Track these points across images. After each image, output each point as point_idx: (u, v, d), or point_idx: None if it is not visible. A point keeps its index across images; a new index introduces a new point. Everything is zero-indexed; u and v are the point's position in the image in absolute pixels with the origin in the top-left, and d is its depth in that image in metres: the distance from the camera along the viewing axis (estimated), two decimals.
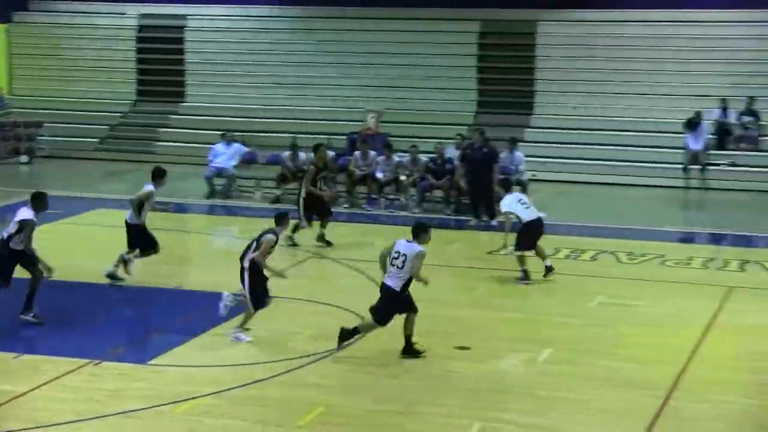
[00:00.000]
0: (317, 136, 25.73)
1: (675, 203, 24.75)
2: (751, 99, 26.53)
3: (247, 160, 25.50)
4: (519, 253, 16.74)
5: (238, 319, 13.65)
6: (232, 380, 12.07)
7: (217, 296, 14.01)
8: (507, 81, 29.16)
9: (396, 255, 12.82)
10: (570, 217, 21.70)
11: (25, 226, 13.82)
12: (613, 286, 16.77)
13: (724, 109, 26.64)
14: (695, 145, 25.91)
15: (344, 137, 26.30)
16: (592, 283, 16.73)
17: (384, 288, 12.92)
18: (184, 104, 31.13)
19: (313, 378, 12.29)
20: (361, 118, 27.33)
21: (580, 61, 28.77)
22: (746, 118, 26.56)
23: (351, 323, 13.73)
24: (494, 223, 21.34)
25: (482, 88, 29.41)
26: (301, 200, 19.08)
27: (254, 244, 13.58)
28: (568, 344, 13.54)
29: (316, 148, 19.92)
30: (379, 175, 23.58)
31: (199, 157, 26.25)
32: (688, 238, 21.18)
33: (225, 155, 25.18)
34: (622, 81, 28.21)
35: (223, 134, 25.73)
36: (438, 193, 23.44)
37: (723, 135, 26.54)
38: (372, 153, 24.00)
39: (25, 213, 13.94)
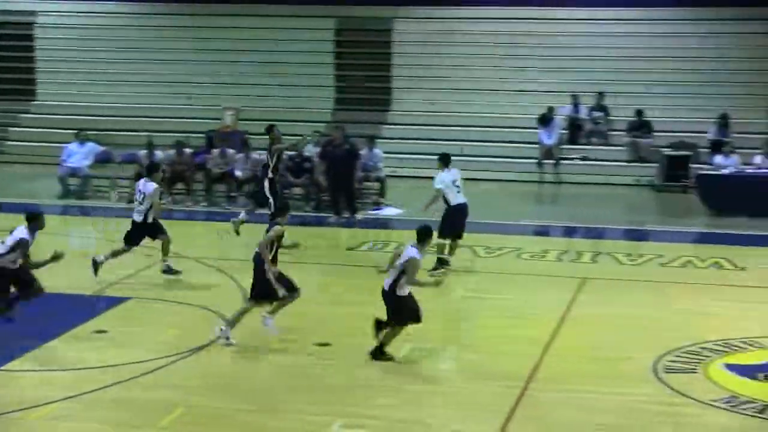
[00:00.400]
0: (174, 134, 25.54)
1: (530, 197, 25.28)
2: (600, 94, 27.27)
3: (102, 160, 25.04)
4: (440, 240, 16.64)
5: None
6: (90, 383, 11.82)
7: (73, 298, 13.71)
8: (364, 78, 29.34)
9: (398, 256, 12.65)
10: (427, 213, 21.90)
11: (19, 246, 13.23)
12: (472, 279, 17.02)
13: (576, 105, 27.33)
14: (548, 140, 26.53)
15: (202, 135, 26.06)
16: (451, 277, 16.92)
17: (382, 290, 12.67)
18: (36, 102, 30.39)
19: (174, 379, 12.14)
20: (218, 115, 27.12)
21: (437, 58, 29.11)
22: (596, 114, 27.29)
23: (212, 323, 13.65)
24: (359, 216, 21.52)
25: (340, 85, 29.55)
26: (267, 188, 18.66)
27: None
28: (429, 338, 13.68)
29: (270, 129, 19.43)
30: (238, 173, 23.45)
31: (52, 156, 25.65)
32: (543, 232, 21.61)
33: (79, 155, 24.67)
34: (477, 77, 28.65)
35: (76, 133, 25.20)
36: (297, 191, 23.43)
37: (574, 130, 27.22)
38: (230, 151, 23.85)
39: (21, 232, 13.32)
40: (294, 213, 21.77)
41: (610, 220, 21.93)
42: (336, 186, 22.05)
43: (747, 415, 11.15)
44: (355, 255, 18.63)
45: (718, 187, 22.77)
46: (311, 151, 23.45)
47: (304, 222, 21.25)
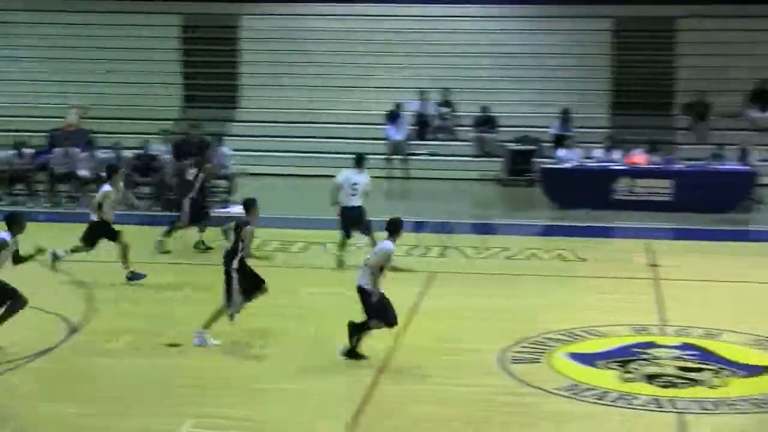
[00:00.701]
0: (15, 133, 24.88)
1: (378, 193, 25.39)
2: (447, 90, 27.67)
3: None
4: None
5: None
6: None
7: None
8: (212, 75, 29.14)
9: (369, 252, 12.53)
10: (278, 210, 21.86)
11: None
12: (323, 276, 17.08)
13: (423, 101, 27.67)
14: (396, 136, 26.80)
15: (45, 134, 25.46)
16: (302, 274, 16.98)
17: (358, 290, 12.52)
18: None
19: (17, 386, 11.85)
20: (61, 114, 26.53)
21: (285, 55, 29.10)
22: (443, 110, 27.70)
23: (59, 326, 13.37)
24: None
25: (187, 83, 29.26)
26: (188, 205, 18.59)
27: (238, 243, 12.97)
28: (277, 335, 13.69)
29: (205, 147, 19.59)
30: (83, 172, 23.01)
31: None
32: None
33: None
34: (326, 74, 28.75)
35: None
36: (145, 190, 23.13)
37: (422, 126, 27.57)
38: (74, 150, 23.39)
39: (3, 235, 12.66)
40: (143, 213, 21.68)
41: (458, 214, 22.29)
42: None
43: (588, 402, 11.50)
44: (204, 254, 18.46)
45: (561, 181, 23.39)
46: (158, 149, 23.17)
47: (153, 222, 20.94)
